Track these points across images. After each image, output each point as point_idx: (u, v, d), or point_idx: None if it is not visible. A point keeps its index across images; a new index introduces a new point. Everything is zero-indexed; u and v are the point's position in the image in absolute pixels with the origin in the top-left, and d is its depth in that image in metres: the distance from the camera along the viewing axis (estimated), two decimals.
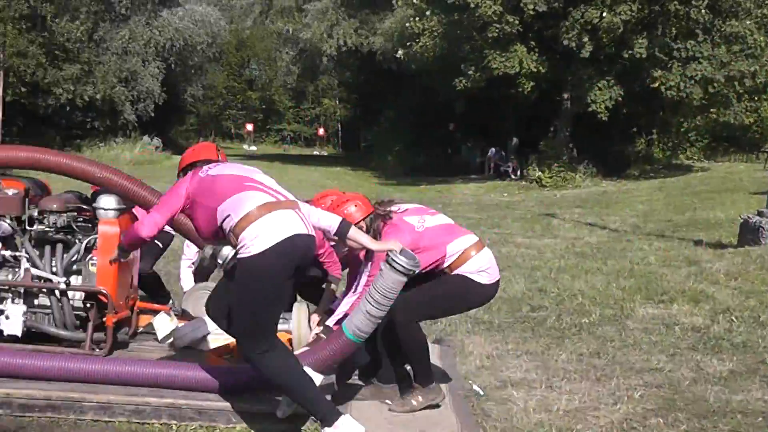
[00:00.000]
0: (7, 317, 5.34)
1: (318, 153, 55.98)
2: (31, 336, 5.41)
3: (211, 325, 5.28)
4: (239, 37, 63.69)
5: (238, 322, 4.24)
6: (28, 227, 5.51)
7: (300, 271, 4.32)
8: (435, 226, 4.98)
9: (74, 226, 5.55)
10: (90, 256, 5.47)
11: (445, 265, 4.91)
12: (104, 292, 5.30)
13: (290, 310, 5.40)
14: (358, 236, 4.49)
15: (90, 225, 5.57)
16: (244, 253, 4.13)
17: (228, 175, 4.43)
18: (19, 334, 5.34)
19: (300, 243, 4.20)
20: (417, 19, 26.92)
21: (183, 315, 5.83)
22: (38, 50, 29.41)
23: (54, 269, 5.45)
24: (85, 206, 5.62)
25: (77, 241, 5.54)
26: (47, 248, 5.50)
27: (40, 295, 5.49)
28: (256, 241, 4.12)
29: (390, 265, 4.24)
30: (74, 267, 5.52)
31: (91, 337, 5.36)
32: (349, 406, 4.75)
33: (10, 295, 5.45)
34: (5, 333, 5.34)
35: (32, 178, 5.91)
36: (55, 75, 30.11)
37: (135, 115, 37.94)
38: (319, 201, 5.22)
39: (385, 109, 40.06)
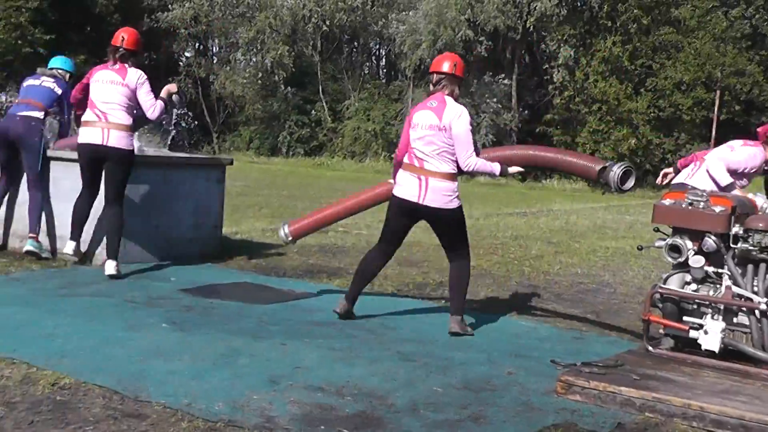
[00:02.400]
0: (706, 332, 5.43)
1: None
2: (728, 353, 5.43)
3: None
4: None
5: None
6: (732, 245, 5.53)
7: None
8: None
9: None
10: None
11: None
12: None
13: None
14: None
15: None
16: None
17: None
18: (716, 350, 5.39)
19: None
20: None
21: None
22: (756, 68, 29.29)
23: (755, 288, 5.39)
24: None
25: None
26: (750, 267, 5.46)
27: (740, 313, 5.48)
28: None
29: None
30: None
31: None
32: None
33: (710, 310, 5.53)
34: (703, 348, 5.43)
35: (740, 196, 5.92)
36: None
37: None
38: None
39: None
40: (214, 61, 38.32)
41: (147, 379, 4.58)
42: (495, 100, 29.92)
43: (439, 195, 6.14)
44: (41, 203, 8.07)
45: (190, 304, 6.65)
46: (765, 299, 5.30)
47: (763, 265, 5.42)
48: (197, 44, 39.05)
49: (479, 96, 29.63)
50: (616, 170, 6.06)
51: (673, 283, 5.73)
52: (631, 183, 6.11)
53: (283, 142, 33.65)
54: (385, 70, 39.52)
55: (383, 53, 39.32)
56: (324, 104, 33.83)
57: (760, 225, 5.43)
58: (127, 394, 4.30)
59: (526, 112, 31.00)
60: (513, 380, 5.11)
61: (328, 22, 33.21)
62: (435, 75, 6.29)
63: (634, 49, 28.10)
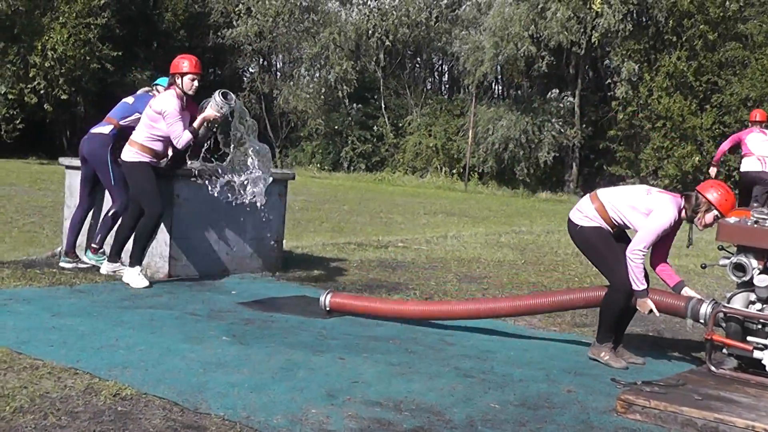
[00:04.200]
0: None
1: None
2: None
3: None
4: None
5: None
6: None
7: None
8: None
9: None
10: None
11: None
12: None
13: None
14: None
15: None
16: None
17: None
18: None
19: None
20: None
21: None
22: None
23: None
24: None
25: None
26: None
27: None
28: None
29: None
30: None
31: None
32: None
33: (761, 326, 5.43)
34: (767, 368, 5.33)
35: None
36: None
37: None
38: None
39: None
40: (278, 77, 38.67)
41: (207, 391, 4.63)
42: (558, 116, 29.75)
43: None
44: (110, 217, 8.20)
45: (250, 317, 6.72)
46: None
47: None
48: (261, 60, 39.45)
49: (542, 112, 29.48)
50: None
51: (738, 303, 5.65)
52: None
53: (345, 157, 33.79)
54: (447, 86, 39.51)
55: (446, 69, 39.33)
56: (386, 119, 33.92)
57: None
58: (187, 406, 4.36)
59: (590, 128, 30.74)
60: (572, 398, 5.06)
61: (391, 37, 33.30)
62: None
63: (699, 65, 27.70)
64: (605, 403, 4.96)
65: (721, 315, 5.60)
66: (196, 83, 7.73)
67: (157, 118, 7.60)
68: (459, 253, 11.46)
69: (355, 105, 34.81)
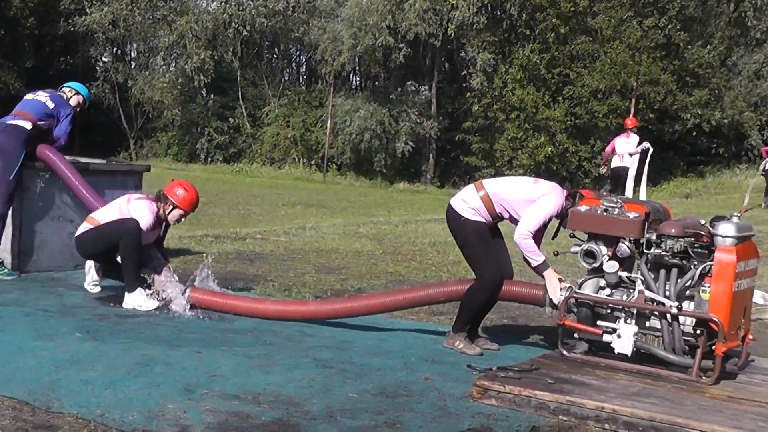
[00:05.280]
0: (619, 336, 5.53)
1: None
2: (640, 356, 5.54)
3: None
4: None
5: None
6: (645, 250, 5.65)
7: None
8: None
9: (690, 252, 5.55)
10: (703, 282, 5.44)
11: None
12: (715, 320, 5.23)
13: None
14: None
15: (706, 251, 5.52)
16: None
17: None
18: (629, 353, 5.49)
19: None
20: None
21: None
22: (669, 77, 29.97)
23: (667, 293, 5.51)
24: (702, 232, 5.57)
25: (692, 266, 5.55)
26: (662, 272, 5.59)
27: (652, 317, 5.60)
28: None
29: None
30: (687, 292, 5.53)
31: (699, 364, 5.33)
32: None
33: (623, 314, 5.64)
34: (616, 351, 5.53)
35: (653, 202, 6.05)
36: (683, 101, 30.40)
37: (761, 140, 36.81)
38: None
39: None
40: (133, 66, 37.71)
41: (59, 389, 4.48)
42: (416, 107, 30.08)
43: None
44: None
45: (104, 312, 6.55)
46: (676, 303, 5.42)
47: (674, 270, 5.55)
48: (115, 49, 38.40)
49: (400, 103, 29.75)
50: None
51: (588, 288, 5.83)
52: None
53: (202, 148, 33.27)
54: (305, 76, 39.38)
55: (303, 59, 39.19)
56: (243, 110, 33.57)
57: (673, 231, 5.56)
58: (39, 405, 4.21)
59: (446, 120, 31.20)
60: (430, 385, 5.13)
61: (248, 27, 32.96)
62: None
63: (551, 58, 28.50)
64: (462, 389, 5.04)
65: (572, 301, 5.78)
66: (182, 221, 7.26)
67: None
68: (317, 244, 11.45)
69: (212, 96, 34.30)
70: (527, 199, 6.00)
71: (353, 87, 35.05)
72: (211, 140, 33.34)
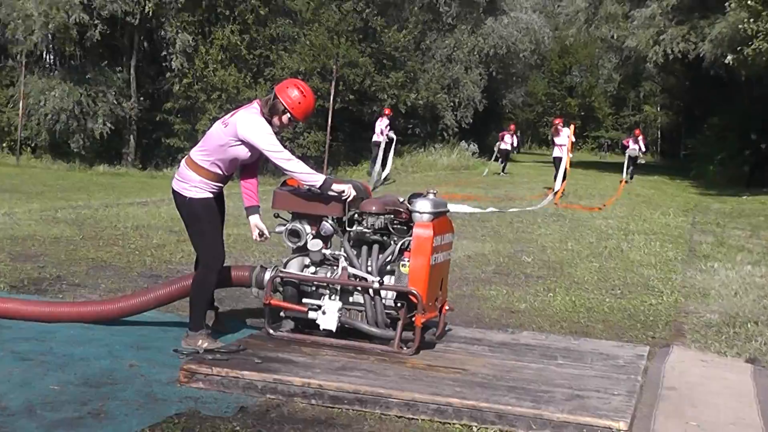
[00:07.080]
0: (324, 312, 5.65)
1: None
2: (345, 331, 5.69)
3: None
4: (562, 44, 63.44)
5: None
6: (348, 228, 5.79)
7: None
8: None
9: (390, 228, 5.76)
10: (403, 257, 5.68)
11: None
12: (414, 292, 5.47)
13: None
14: None
15: (405, 227, 5.76)
16: None
17: None
18: (333, 329, 5.62)
19: None
20: (751, 20, 25.31)
21: None
22: (367, 60, 30.95)
23: (369, 269, 5.69)
24: (401, 209, 5.78)
25: (392, 242, 5.76)
26: (364, 248, 5.76)
27: (355, 293, 5.76)
28: None
29: None
30: (388, 267, 5.74)
31: (400, 336, 5.55)
32: None
33: (328, 291, 5.76)
34: (321, 327, 5.65)
35: (354, 181, 6.20)
36: (381, 83, 31.54)
37: (455, 121, 39.05)
38: None
39: (710, 116, 38.32)
40: None
41: None
42: (114, 87, 29.05)
43: None
44: None
45: None
46: (377, 278, 5.61)
47: (375, 246, 5.74)
48: None
49: (97, 83, 28.59)
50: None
51: (293, 267, 5.90)
52: None
53: None
54: None
55: None
56: None
57: (373, 208, 5.74)
58: None
59: (147, 101, 30.37)
60: (135, 372, 5.00)
61: None
62: None
63: (252, 39, 28.56)
64: (169, 374, 4.95)
65: (278, 280, 5.83)
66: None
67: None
68: (12, 231, 10.77)
69: None
70: (228, 144, 5.66)
71: (48, 66, 33.21)
72: None
